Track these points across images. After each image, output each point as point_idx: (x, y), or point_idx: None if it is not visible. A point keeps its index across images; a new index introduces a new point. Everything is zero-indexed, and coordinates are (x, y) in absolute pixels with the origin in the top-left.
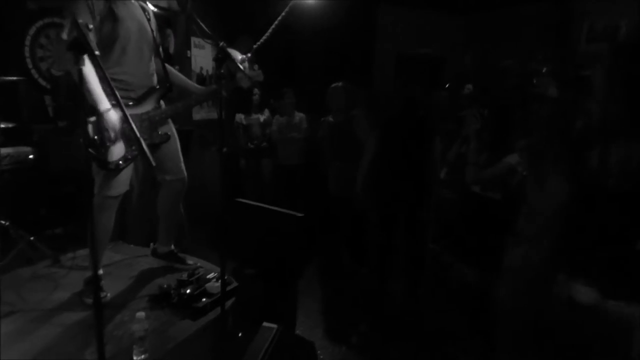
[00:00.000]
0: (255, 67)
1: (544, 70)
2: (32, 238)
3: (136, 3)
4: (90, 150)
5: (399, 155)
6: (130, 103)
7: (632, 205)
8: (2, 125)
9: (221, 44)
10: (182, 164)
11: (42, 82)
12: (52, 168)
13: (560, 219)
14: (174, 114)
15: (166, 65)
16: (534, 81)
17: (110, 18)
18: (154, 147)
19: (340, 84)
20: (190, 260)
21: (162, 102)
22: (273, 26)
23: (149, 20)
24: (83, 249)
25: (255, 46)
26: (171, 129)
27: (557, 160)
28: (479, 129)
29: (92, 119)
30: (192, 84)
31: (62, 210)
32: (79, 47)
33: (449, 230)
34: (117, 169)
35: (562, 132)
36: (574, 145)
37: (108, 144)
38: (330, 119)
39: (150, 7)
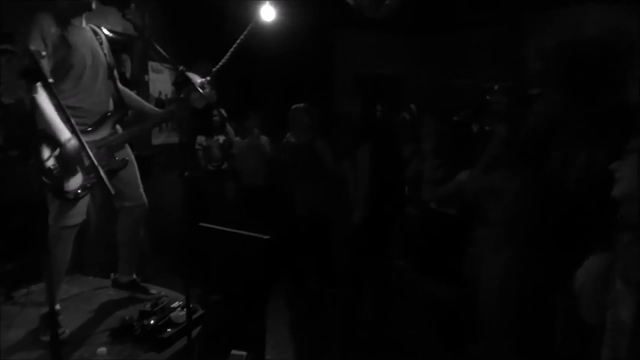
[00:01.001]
0: (208, 87)
1: (496, 88)
2: None
3: (87, 28)
4: (45, 179)
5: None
6: (88, 129)
7: (592, 209)
8: None
9: (180, 68)
10: (142, 190)
11: None
12: (2, 199)
13: (519, 226)
14: (131, 139)
15: (122, 88)
16: (487, 97)
17: (63, 45)
18: (112, 173)
19: (301, 105)
20: (154, 290)
21: (118, 127)
22: (232, 49)
23: (101, 44)
24: (37, 283)
25: (214, 69)
26: (129, 153)
27: (512, 169)
28: (435, 147)
29: (56, 151)
30: (148, 106)
31: (13, 243)
32: (32, 75)
33: (413, 247)
34: (75, 198)
35: (514, 143)
36: (527, 154)
37: (70, 174)
38: (292, 139)
39: (105, 31)
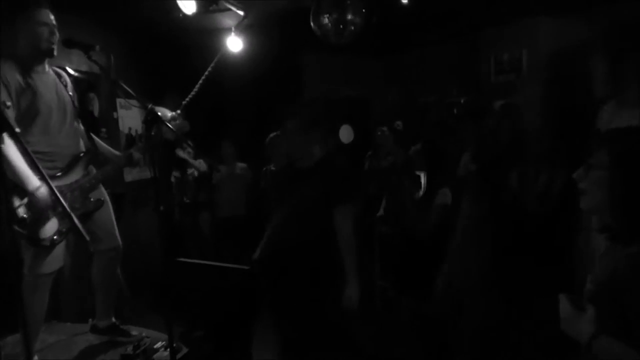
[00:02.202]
0: (179, 119)
1: (462, 102)
2: None
3: (51, 71)
4: (19, 229)
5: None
6: (59, 174)
7: (551, 226)
8: None
9: (149, 105)
10: (116, 232)
11: None
12: None
13: (473, 241)
14: (105, 178)
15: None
16: (455, 112)
17: (28, 92)
18: (87, 215)
19: (278, 132)
20: (135, 331)
21: (92, 168)
22: (201, 80)
23: (65, 86)
24: (11, 335)
25: (184, 102)
26: (103, 194)
27: (470, 185)
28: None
29: (24, 200)
30: (110, 151)
31: None
32: None
33: (392, 265)
34: (52, 245)
35: (475, 157)
36: (486, 170)
37: (44, 221)
38: (272, 167)
39: (70, 71)
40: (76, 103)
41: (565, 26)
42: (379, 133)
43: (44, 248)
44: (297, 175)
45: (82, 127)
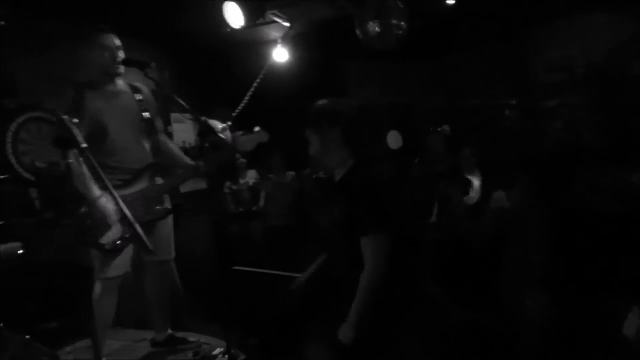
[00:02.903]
0: (240, 132)
1: (513, 103)
2: (27, 337)
3: (124, 87)
4: (84, 237)
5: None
6: (120, 183)
7: (627, 228)
8: None
9: (202, 118)
10: (172, 245)
11: (27, 176)
12: (40, 261)
13: (540, 245)
14: (170, 188)
15: (162, 139)
16: (506, 113)
17: (96, 111)
18: (151, 224)
19: None
20: (192, 338)
21: (157, 178)
22: (249, 92)
23: (141, 100)
24: (81, 340)
25: (234, 114)
26: (166, 204)
27: (532, 188)
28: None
29: (84, 209)
30: (182, 159)
31: (53, 303)
32: (65, 142)
33: (444, 273)
34: (115, 250)
35: (534, 159)
36: (549, 171)
37: (104, 230)
38: (322, 174)
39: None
40: (149, 116)
41: (620, 22)
42: (430, 135)
43: (109, 253)
44: (328, 188)
45: (161, 138)
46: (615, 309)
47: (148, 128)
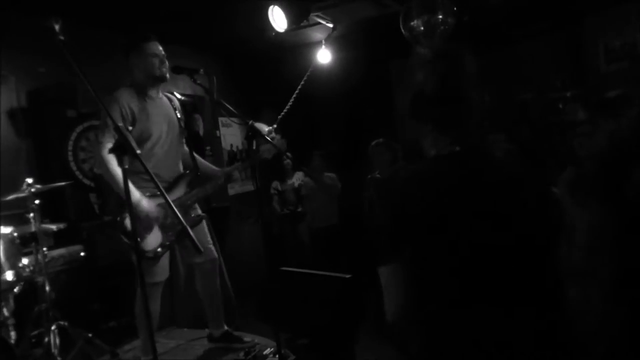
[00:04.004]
0: (278, 137)
1: (569, 95)
2: (90, 335)
3: (163, 97)
4: (125, 239)
5: None
6: (164, 191)
7: None
8: (54, 228)
9: (250, 122)
10: (211, 245)
11: (87, 182)
12: (101, 262)
13: (610, 247)
14: (204, 196)
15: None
16: (560, 107)
17: (143, 116)
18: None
19: (381, 140)
20: (247, 337)
21: (192, 186)
22: (294, 95)
23: (175, 110)
24: (128, 343)
25: (279, 117)
26: (197, 211)
27: (596, 186)
28: None
29: (124, 215)
30: (211, 169)
31: (113, 303)
32: (122, 149)
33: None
34: (155, 257)
35: (596, 155)
36: (611, 168)
37: (144, 233)
38: (378, 175)
39: (177, 95)
40: (183, 125)
41: None
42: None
43: (149, 259)
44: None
45: (186, 147)
46: None
47: (183, 136)
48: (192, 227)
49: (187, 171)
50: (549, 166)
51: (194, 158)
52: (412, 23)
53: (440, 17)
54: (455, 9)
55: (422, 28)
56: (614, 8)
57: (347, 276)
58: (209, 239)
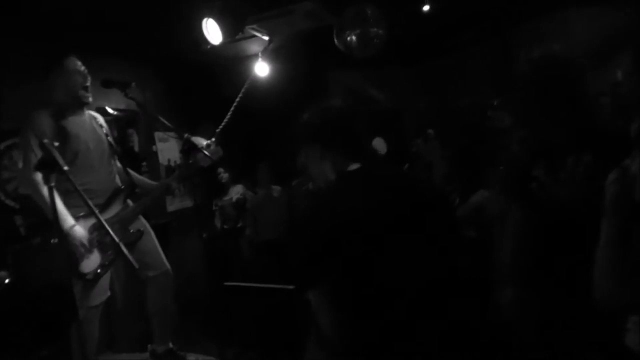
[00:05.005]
0: (213, 146)
1: (495, 103)
2: None
3: (87, 114)
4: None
5: None
6: (98, 209)
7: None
8: None
9: (185, 135)
10: (163, 257)
11: (11, 203)
12: (30, 287)
13: (525, 253)
14: (143, 210)
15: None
16: (488, 114)
17: (64, 136)
18: (129, 246)
19: None
20: (191, 356)
21: (129, 201)
22: (232, 108)
23: (101, 127)
24: None
25: (217, 130)
26: (143, 224)
27: (515, 189)
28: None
29: (55, 239)
30: (147, 183)
31: (45, 329)
32: (48, 166)
33: None
34: (96, 278)
35: (515, 160)
36: (520, 171)
37: (82, 258)
38: (310, 187)
39: (109, 110)
40: (112, 141)
41: (601, 16)
42: (416, 143)
43: (89, 282)
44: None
45: (119, 164)
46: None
47: (114, 153)
48: (133, 243)
49: (123, 186)
50: (484, 169)
51: (128, 174)
52: (344, 36)
53: (372, 30)
54: (385, 21)
55: (355, 40)
56: (534, 19)
57: (292, 287)
58: (160, 250)
